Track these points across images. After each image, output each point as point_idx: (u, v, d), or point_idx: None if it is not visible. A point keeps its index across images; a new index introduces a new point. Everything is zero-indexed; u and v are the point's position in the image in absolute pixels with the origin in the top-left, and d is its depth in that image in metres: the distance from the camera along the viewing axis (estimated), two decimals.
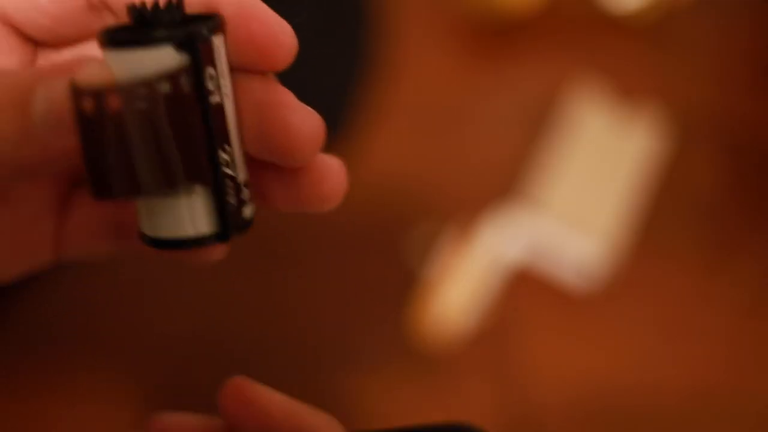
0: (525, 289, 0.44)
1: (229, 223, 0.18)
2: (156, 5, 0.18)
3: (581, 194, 0.45)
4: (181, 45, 0.17)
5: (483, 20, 0.50)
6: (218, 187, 0.18)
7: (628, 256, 0.45)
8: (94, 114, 0.16)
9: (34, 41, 0.20)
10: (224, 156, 0.18)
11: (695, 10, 0.52)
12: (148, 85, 0.16)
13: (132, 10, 0.18)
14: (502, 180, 0.46)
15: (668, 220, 0.46)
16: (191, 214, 0.18)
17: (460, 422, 0.20)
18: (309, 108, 0.19)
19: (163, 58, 0.17)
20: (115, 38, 0.17)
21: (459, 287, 0.42)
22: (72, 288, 0.42)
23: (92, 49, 0.20)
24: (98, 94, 0.16)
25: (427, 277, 0.43)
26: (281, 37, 0.18)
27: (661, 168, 0.47)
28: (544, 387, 0.42)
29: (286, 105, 0.18)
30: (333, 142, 0.44)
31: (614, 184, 0.45)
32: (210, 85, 0.18)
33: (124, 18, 0.19)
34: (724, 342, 0.43)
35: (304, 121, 0.18)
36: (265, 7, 0.18)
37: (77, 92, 0.16)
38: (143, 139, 0.17)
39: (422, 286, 0.43)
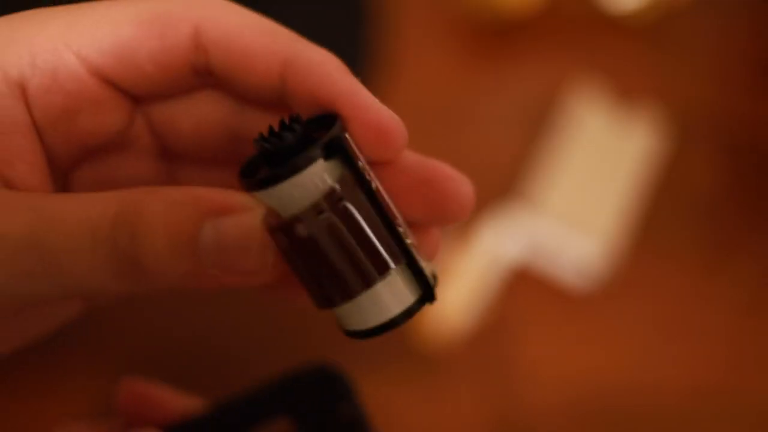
0: (524, 289, 0.44)
1: (429, 282, 0.19)
2: (276, 131, 0.18)
3: (580, 194, 0.45)
4: (329, 155, 0.18)
5: (483, 20, 0.51)
6: (410, 259, 0.19)
7: (627, 255, 0.45)
8: (293, 245, 0.18)
9: (134, 97, 0.20)
10: (401, 229, 0.19)
11: (694, 11, 0.52)
12: (327, 200, 0.18)
13: (259, 143, 0.18)
14: (502, 180, 0.46)
15: (667, 219, 0.46)
16: (396, 293, 0.19)
17: (317, 363, 0.21)
18: (462, 174, 0.20)
19: (318, 173, 0.18)
20: (266, 180, 0.18)
21: (459, 287, 0.42)
22: None
23: (190, 101, 0.21)
24: (289, 228, 0.17)
25: None
26: (395, 126, 0.19)
27: (660, 168, 0.47)
28: (543, 386, 0.42)
29: (453, 178, 0.20)
30: None
31: (613, 184, 0.45)
32: (366, 175, 0.18)
33: (225, 76, 0.19)
34: (724, 341, 0.43)
35: (469, 188, 0.20)
36: (373, 97, 0.19)
37: (273, 231, 0.17)
38: (341, 246, 0.18)
39: None
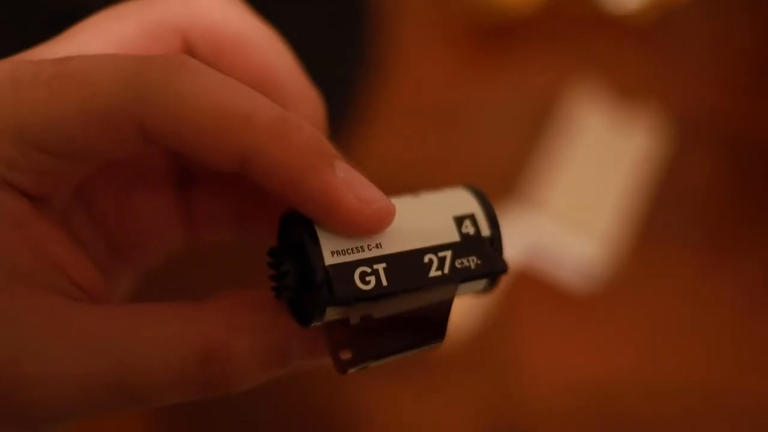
0: (524, 289, 0.44)
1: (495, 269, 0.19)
2: (275, 262, 0.18)
3: (580, 195, 0.45)
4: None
5: (482, 20, 0.51)
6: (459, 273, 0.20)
7: (627, 256, 0.45)
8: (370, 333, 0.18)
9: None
10: (430, 255, 0.19)
11: (692, 10, 0.52)
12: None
13: (276, 293, 0.18)
14: (502, 181, 0.47)
15: (666, 219, 0.46)
16: (472, 287, 0.19)
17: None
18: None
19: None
20: (308, 318, 0.18)
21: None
22: None
23: None
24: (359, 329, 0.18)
25: None
26: (370, 216, 0.17)
27: (659, 168, 0.47)
28: (542, 386, 0.42)
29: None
30: (334, 143, 0.44)
31: (613, 184, 0.45)
32: (373, 251, 0.18)
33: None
34: (723, 342, 0.44)
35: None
36: (343, 191, 0.17)
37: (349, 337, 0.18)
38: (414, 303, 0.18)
39: None
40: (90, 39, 0.19)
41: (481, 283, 0.19)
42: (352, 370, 0.18)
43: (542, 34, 0.51)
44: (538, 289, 0.44)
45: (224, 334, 0.17)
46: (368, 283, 0.17)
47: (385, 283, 0.17)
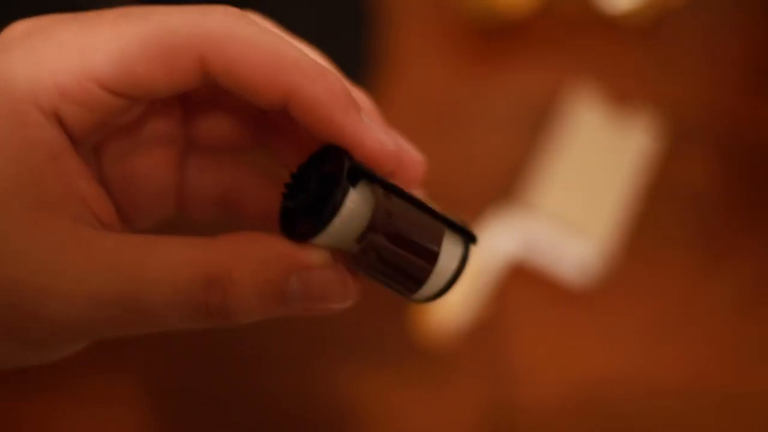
0: (521, 287, 0.44)
1: (466, 230, 0.22)
2: (298, 176, 0.20)
3: (577, 194, 0.45)
4: (353, 183, 0.20)
5: (480, 22, 0.51)
6: (448, 222, 0.22)
7: (623, 254, 0.45)
8: (368, 263, 0.20)
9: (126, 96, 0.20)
10: (430, 205, 0.22)
11: (687, 11, 0.53)
12: (376, 216, 0.20)
13: (289, 202, 0.20)
14: (500, 181, 0.47)
15: (662, 219, 0.47)
16: (451, 252, 0.22)
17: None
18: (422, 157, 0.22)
19: (356, 200, 0.20)
20: (318, 226, 0.19)
21: (457, 284, 0.42)
22: None
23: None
24: (362, 253, 0.20)
25: None
26: (405, 158, 0.21)
27: (654, 168, 0.48)
28: (539, 382, 0.42)
29: (420, 162, 0.23)
30: None
31: (610, 184, 0.46)
32: (388, 180, 0.21)
33: (234, 79, 0.20)
34: (718, 340, 0.44)
35: (423, 167, 0.23)
36: (375, 130, 0.20)
37: (350, 263, 0.21)
38: (404, 243, 0.20)
39: None
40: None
41: (458, 250, 0.22)
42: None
43: (540, 35, 0.51)
44: (535, 288, 0.44)
45: (227, 260, 0.19)
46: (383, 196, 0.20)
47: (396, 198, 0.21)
